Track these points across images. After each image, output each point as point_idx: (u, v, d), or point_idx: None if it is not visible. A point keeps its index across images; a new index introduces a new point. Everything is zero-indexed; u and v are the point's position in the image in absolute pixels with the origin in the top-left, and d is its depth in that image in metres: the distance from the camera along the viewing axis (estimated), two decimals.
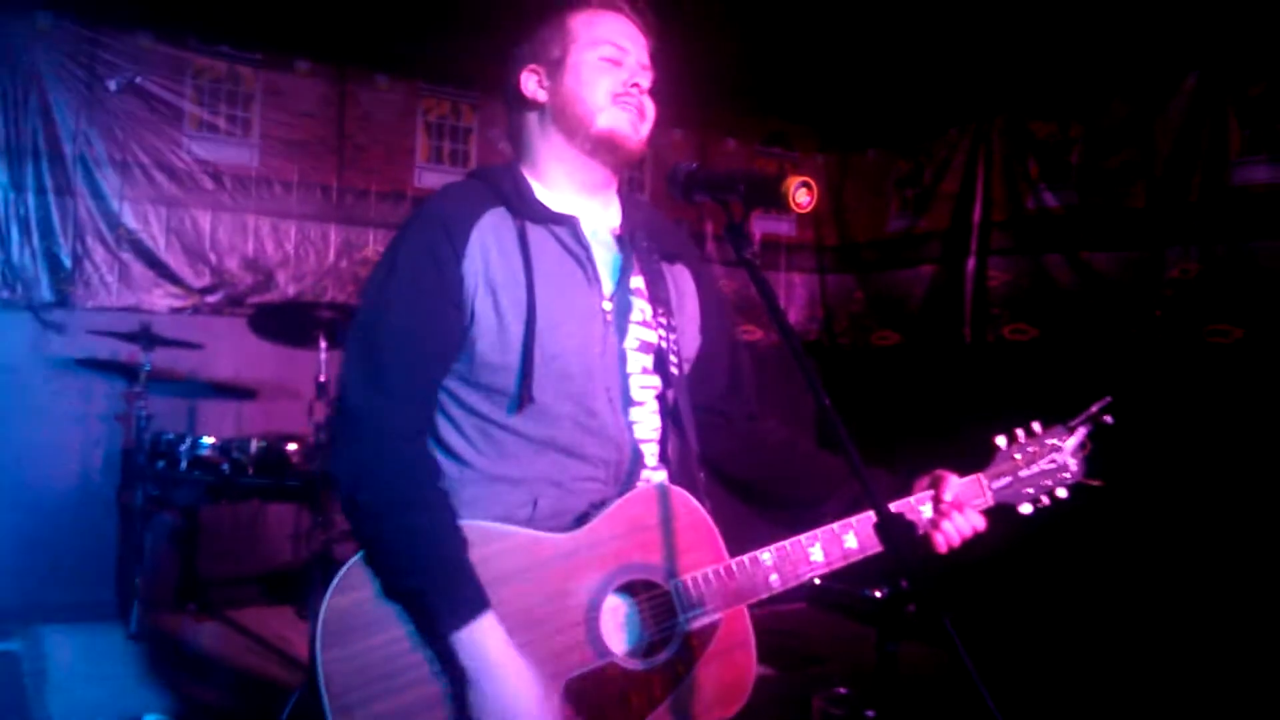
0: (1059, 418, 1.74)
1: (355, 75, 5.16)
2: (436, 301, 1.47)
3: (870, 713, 2.62)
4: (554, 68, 1.58)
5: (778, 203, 1.34)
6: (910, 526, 1.55)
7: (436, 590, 1.35)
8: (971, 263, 5.48)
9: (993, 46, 4.92)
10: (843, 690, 2.92)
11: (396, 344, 1.46)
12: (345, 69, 5.13)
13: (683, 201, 1.52)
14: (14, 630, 3.98)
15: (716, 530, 1.54)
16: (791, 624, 4.58)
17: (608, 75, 1.56)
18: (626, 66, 1.58)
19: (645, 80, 1.60)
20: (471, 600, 1.36)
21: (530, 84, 1.60)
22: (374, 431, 1.44)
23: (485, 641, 1.35)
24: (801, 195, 1.33)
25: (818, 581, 1.51)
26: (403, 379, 1.46)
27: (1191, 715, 3.61)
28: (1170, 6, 4.26)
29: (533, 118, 1.61)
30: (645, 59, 1.62)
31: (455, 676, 1.37)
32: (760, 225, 6.36)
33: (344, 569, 1.38)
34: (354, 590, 1.37)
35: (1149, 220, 4.71)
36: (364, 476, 1.42)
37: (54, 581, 4.39)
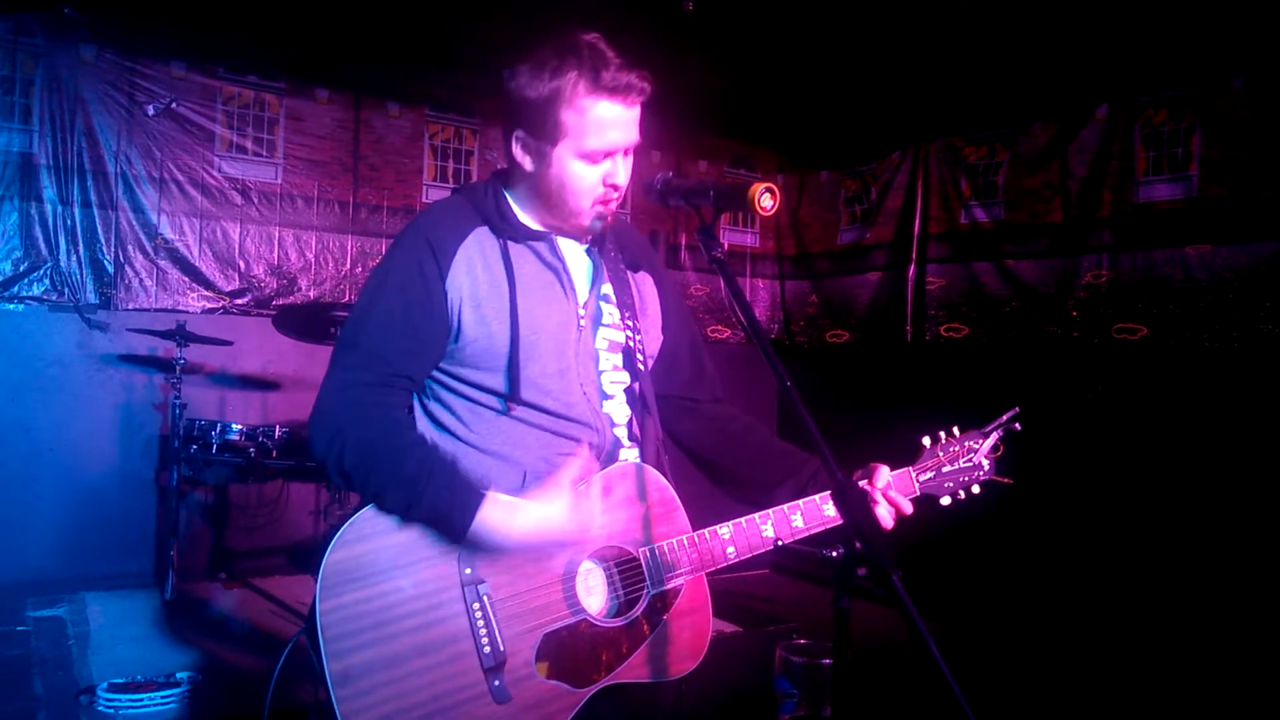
0: (986, 405, 1.72)
1: (369, 103, 5.08)
2: (418, 312, 1.43)
3: (826, 661, 2.59)
4: (541, 150, 1.44)
5: (744, 206, 1.31)
6: (864, 495, 1.51)
7: (441, 511, 1.33)
8: (912, 270, 5.48)
9: (929, 83, 4.93)
10: (803, 641, 2.89)
11: (374, 343, 1.42)
12: (360, 97, 5.06)
13: (659, 206, 1.48)
14: (61, 598, 3.90)
15: (681, 506, 1.52)
16: (756, 588, 4.56)
17: (590, 180, 1.44)
18: (611, 159, 1.44)
19: (625, 172, 1.46)
20: (468, 497, 1.34)
21: (518, 150, 1.47)
22: (339, 406, 1.40)
23: (494, 512, 1.34)
24: (765, 199, 1.29)
25: (780, 542, 1.48)
26: (376, 368, 1.42)
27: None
28: (1082, 45, 4.26)
29: (518, 174, 1.51)
30: (634, 135, 1.44)
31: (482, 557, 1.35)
32: (728, 236, 6.34)
33: (344, 526, 1.34)
34: (352, 545, 1.33)
35: (1065, 232, 4.72)
36: (344, 448, 1.37)
37: (97, 553, 4.33)
